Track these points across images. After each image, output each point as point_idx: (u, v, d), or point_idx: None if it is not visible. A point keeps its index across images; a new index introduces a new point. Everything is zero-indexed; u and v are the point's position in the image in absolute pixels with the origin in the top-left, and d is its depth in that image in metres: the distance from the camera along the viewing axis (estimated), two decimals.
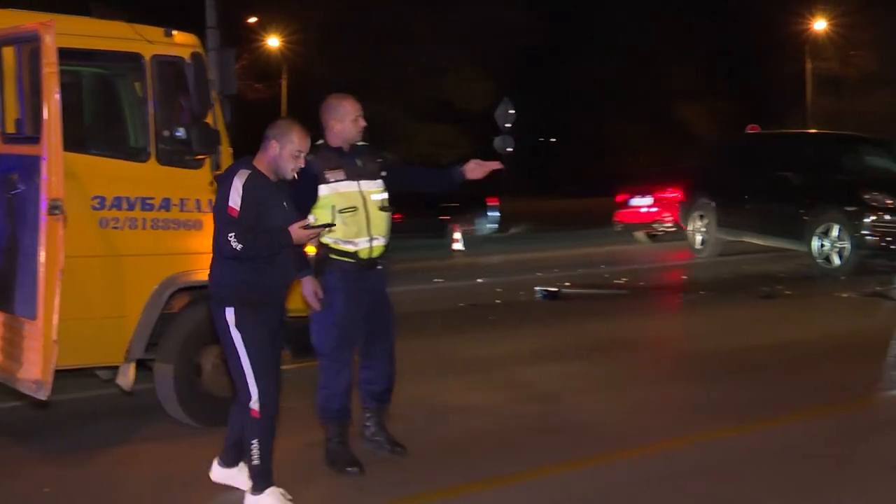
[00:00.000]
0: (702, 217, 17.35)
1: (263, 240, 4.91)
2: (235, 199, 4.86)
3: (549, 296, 12.69)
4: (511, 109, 26.77)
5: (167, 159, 6.50)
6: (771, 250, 16.65)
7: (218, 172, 6.30)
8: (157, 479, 5.73)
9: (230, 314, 4.96)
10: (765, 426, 6.56)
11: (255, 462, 5.00)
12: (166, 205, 6.47)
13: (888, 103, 50.93)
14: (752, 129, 22.52)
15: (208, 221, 5.82)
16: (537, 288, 13.03)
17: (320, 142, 5.63)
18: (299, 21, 37.88)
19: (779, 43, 50.80)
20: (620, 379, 8.18)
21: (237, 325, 4.96)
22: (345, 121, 5.64)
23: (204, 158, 6.54)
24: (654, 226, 21.24)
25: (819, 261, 14.52)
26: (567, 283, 13.76)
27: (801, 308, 11.69)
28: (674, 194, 19.67)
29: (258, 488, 5.02)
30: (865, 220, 14.01)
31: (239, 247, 4.83)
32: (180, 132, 6.45)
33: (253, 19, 37.37)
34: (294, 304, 5.67)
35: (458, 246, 20.47)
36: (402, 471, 5.69)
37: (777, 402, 7.21)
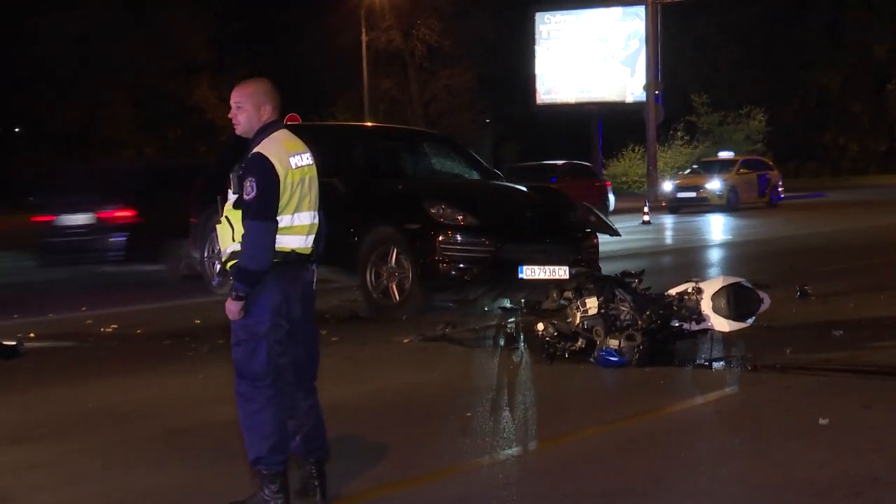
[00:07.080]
0: None
1: None
2: None
3: (5, 352, 12.16)
4: None
5: None
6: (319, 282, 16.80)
7: None
8: None
9: None
10: None
11: None
12: None
13: (460, 88, 54.21)
14: (291, 119, 22.86)
15: None
16: None
17: None
18: None
19: (329, 6, 52.38)
20: (101, 465, 7.92)
21: None
22: None
23: None
24: None
25: (375, 295, 14.78)
26: (32, 334, 13.35)
27: (350, 359, 11.85)
28: None
29: None
30: (432, 241, 14.34)
31: None
32: None
33: None
34: None
35: None
36: None
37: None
